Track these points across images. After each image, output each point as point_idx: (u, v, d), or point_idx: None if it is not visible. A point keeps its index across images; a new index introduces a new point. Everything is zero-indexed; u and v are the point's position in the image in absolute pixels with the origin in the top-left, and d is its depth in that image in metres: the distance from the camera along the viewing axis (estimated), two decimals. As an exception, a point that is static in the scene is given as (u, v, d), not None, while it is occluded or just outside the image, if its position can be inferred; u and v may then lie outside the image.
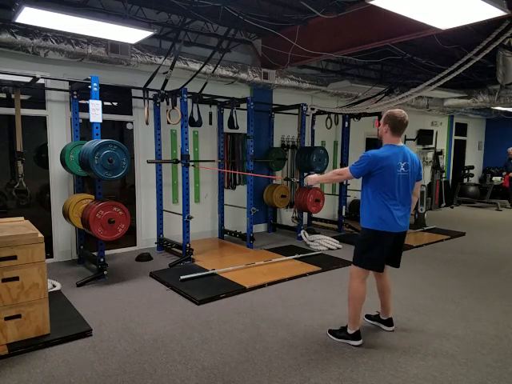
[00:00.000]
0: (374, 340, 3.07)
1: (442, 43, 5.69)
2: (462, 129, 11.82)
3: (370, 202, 2.91)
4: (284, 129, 7.19)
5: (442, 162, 10.61)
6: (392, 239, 2.92)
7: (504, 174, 10.75)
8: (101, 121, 4.20)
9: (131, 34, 4.05)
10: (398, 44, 5.50)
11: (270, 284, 4.27)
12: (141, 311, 3.59)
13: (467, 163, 12.03)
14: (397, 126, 2.86)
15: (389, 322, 3.24)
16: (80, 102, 4.85)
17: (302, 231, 6.32)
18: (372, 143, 8.79)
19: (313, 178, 3.22)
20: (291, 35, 5.59)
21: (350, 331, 3.00)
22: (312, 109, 6.77)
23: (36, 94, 4.96)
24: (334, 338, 3.07)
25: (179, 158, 5.23)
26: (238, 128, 5.83)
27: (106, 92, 5.32)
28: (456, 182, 11.39)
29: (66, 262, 5.13)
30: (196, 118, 5.50)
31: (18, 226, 3.15)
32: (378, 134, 3.02)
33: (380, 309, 3.29)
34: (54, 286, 4.10)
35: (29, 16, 3.44)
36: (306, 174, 3.53)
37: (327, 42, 5.39)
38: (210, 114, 6.03)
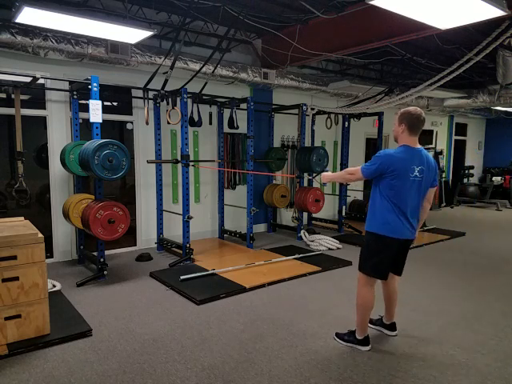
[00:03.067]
0: (374, 340, 3.07)
1: (442, 43, 5.68)
2: (461, 129, 11.82)
3: (377, 204, 2.75)
4: (284, 129, 7.20)
5: (442, 162, 10.61)
6: (396, 246, 2.77)
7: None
8: (101, 121, 4.19)
9: (131, 34, 4.05)
10: (398, 44, 5.49)
11: (270, 284, 4.27)
12: (141, 311, 3.59)
13: (467, 163, 12.03)
14: (414, 123, 2.67)
15: (392, 327, 3.17)
16: (80, 102, 4.85)
17: (302, 231, 6.32)
18: (372, 143, 8.79)
19: (326, 176, 3.10)
20: (291, 35, 5.59)
21: (359, 337, 2.93)
22: (312, 109, 6.76)
23: (36, 94, 4.96)
24: (342, 342, 2.99)
25: (179, 158, 5.23)
26: (237, 128, 5.83)
27: (106, 92, 5.33)
28: (456, 182, 11.39)
29: (66, 262, 5.13)
30: (196, 117, 5.50)
31: (18, 226, 3.15)
32: (393, 135, 2.82)
33: (384, 313, 3.21)
34: (54, 286, 4.10)
35: (29, 16, 3.44)
36: (310, 173, 3.31)
37: (327, 41, 5.39)
38: (210, 114, 6.03)
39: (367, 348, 2.92)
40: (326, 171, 3.21)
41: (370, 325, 3.24)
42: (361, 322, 2.92)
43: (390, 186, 2.67)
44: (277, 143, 7.16)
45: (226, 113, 6.13)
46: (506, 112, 10.77)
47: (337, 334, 3.07)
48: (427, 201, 2.88)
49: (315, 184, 6.49)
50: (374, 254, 2.80)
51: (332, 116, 7.11)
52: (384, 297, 3.14)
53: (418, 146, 2.75)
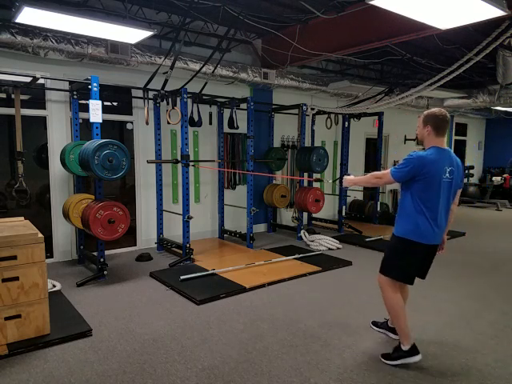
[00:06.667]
0: (374, 340, 3.07)
1: (441, 43, 5.69)
2: (462, 129, 11.83)
3: (408, 208, 2.66)
4: (284, 129, 7.19)
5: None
6: (425, 252, 2.70)
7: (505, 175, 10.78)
8: (101, 121, 4.19)
9: (131, 34, 4.05)
10: (398, 44, 5.49)
11: (270, 284, 4.27)
12: (141, 311, 3.59)
13: (467, 163, 12.04)
14: (440, 124, 2.63)
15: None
16: (80, 102, 4.85)
17: (302, 231, 6.32)
18: (372, 143, 8.79)
19: (349, 180, 2.99)
20: (291, 35, 5.59)
21: (405, 347, 2.72)
22: (312, 109, 6.77)
23: (36, 94, 4.96)
24: (391, 362, 2.74)
25: (179, 158, 5.23)
26: (237, 128, 5.83)
27: (106, 92, 5.33)
28: (456, 182, 11.37)
29: (66, 262, 5.13)
30: (196, 117, 5.50)
31: (18, 226, 3.15)
32: (418, 138, 2.76)
33: (390, 316, 3.03)
34: (54, 286, 4.10)
35: (29, 16, 3.44)
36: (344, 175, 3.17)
37: (327, 41, 5.39)
38: (210, 114, 6.03)
39: (418, 358, 2.70)
40: (349, 174, 3.08)
41: (374, 327, 3.24)
42: (402, 328, 2.74)
43: (423, 189, 2.59)
44: (277, 143, 7.16)
45: (226, 113, 6.13)
46: (506, 112, 10.77)
47: (383, 356, 2.81)
48: (454, 203, 2.80)
49: (312, 185, 6.49)
50: (401, 259, 2.72)
51: (332, 116, 7.11)
52: None
53: (447, 147, 2.70)
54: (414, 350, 2.72)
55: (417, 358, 2.71)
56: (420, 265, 2.77)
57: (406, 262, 2.72)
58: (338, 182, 3.14)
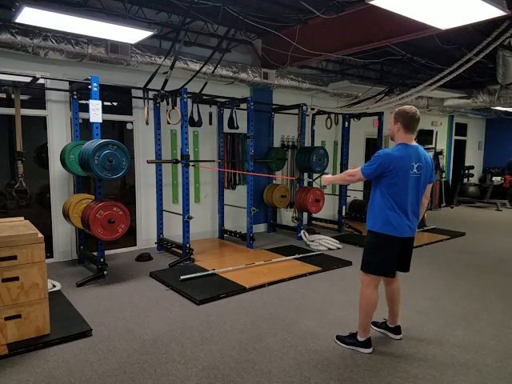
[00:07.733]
0: (374, 340, 3.07)
1: (441, 43, 5.69)
2: (462, 129, 11.83)
3: (378, 203, 2.77)
4: (284, 129, 7.19)
5: (442, 162, 10.62)
6: (400, 244, 2.80)
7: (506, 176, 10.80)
8: (101, 121, 4.20)
9: (131, 34, 4.05)
10: (398, 44, 5.50)
11: (269, 284, 4.27)
12: (141, 311, 3.59)
13: (467, 163, 12.03)
14: (409, 122, 2.73)
15: (397, 330, 3.12)
16: (80, 102, 4.85)
17: (302, 231, 6.32)
18: (372, 143, 8.79)
19: (326, 179, 3.13)
20: (291, 35, 5.59)
21: (361, 338, 2.90)
22: (312, 109, 6.77)
23: (36, 94, 4.96)
24: (343, 345, 2.96)
25: (179, 158, 5.23)
26: (237, 128, 5.83)
27: (106, 92, 5.33)
28: (456, 182, 11.39)
29: (66, 262, 5.13)
30: (196, 118, 5.50)
31: (18, 226, 3.15)
32: (389, 134, 2.91)
33: (388, 316, 3.16)
34: (54, 286, 4.10)
35: (29, 16, 3.44)
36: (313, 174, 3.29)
37: (327, 41, 5.39)
38: (210, 114, 6.03)
39: (369, 350, 2.88)
40: (326, 173, 3.22)
41: (374, 327, 3.24)
42: (365, 322, 2.89)
43: (391, 185, 2.70)
44: (277, 143, 7.16)
45: (226, 113, 6.13)
46: (506, 112, 10.77)
47: (338, 337, 3.03)
48: (425, 197, 2.92)
49: (314, 186, 6.51)
50: (377, 253, 2.82)
51: (332, 116, 7.11)
52: (387, 297, 3.10)
53: (414, 144, 2.81)
54: (367, 343, 2.89)
55: (368, 351, 2.88)
56: (397, 258, 2.86)
57: (383, 256, 2.81)
58: (317, 181, 3.25)
